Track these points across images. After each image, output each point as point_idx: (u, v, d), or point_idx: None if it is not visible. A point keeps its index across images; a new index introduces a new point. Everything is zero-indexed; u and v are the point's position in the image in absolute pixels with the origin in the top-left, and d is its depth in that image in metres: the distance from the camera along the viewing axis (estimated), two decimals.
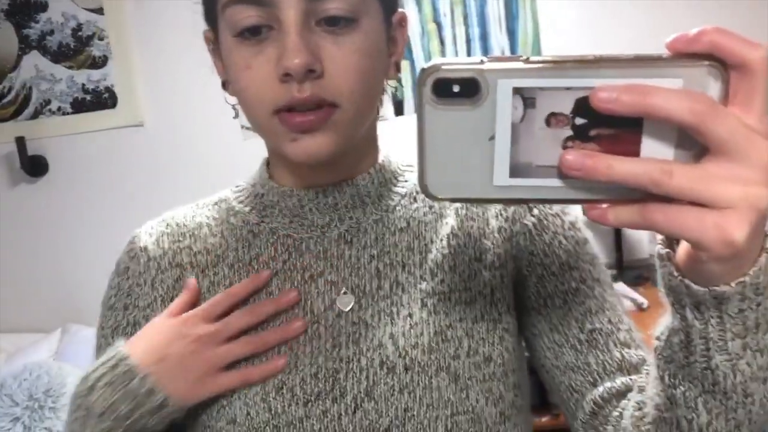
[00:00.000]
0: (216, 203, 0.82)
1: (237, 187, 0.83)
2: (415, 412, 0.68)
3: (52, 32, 2.42)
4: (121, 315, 0.77)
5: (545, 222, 0.75)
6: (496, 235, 0.75)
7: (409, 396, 0.68)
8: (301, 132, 0.65)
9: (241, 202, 0.80)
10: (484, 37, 2.35)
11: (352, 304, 0.72)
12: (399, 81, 2.34)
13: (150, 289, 0.77)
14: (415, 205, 0.77)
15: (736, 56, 0.39)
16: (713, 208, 0.40)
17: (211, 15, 0.70)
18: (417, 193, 0.78)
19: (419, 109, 0.42)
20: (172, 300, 0.76)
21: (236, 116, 0.72)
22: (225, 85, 0.73)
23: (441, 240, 0.75)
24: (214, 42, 0.72)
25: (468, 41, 2.35)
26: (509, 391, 0.72)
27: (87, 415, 0.69)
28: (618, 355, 0.70)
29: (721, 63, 0.40)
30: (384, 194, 0.77)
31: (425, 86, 0.41)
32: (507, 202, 0.45)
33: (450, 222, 0.76)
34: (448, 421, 0.68)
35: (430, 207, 0.77)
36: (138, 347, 0.71)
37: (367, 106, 0.69)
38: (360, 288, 0.73)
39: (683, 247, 0.48)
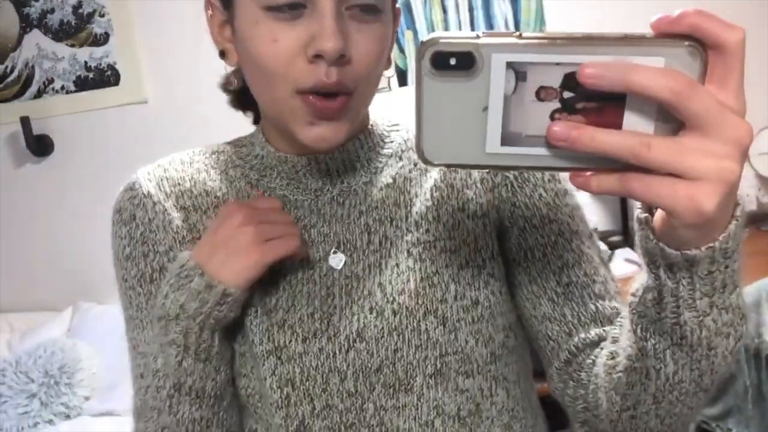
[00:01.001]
0: (214, 153, 0.84)
1: (236, 142, 0.85)
2: (404, 353, 0.73)
3: (52, 10, 2.41)
4: (143, 263, 0.79)
5: (526, 173, 0.78)
6: (479, 185, 0.78)
7: (398, 337, 0.73)
8: (320, 118, 0.67)
9: (240, 158, 0.82)
10: (487, 6, 2.33)
11: (343, 262, 0.76)
12: (402, 51, 2.33)
13: (164, 234, 0.78)
14: (400, 163, 0.81)
15: (714, 37, 0.42)
16: (687, 179, 0.43)
17: None
18: (402, 151, 0.82)
19: (418, 80, 0.45)
20: (185, 241, 0.78)
21: (229, 94, 0.74)
22: (223, 55, 0.74)
23: (425, 193, 0.79)
24: (220, 9, 0.72)
25: (471, 9, 2.33)
26: (499, 332, 0.76)
27: (165, 323, 0.72)
28: (592, 307, 0.74)
29: (701, 43, 0.42)
30: (372, 157, 0.80)
31: (424, 58, 0.44)
32: (498, 168, 0.49)
33: (434, 175, 0.80)
34: (437, 361, 0.73)
35: (415, 164, 0.81)
36: (196, 248, 0.73)
37: (372, 92, 0.73)
38: (351, 243, 0.77)
39: (660, 214, 0.51)
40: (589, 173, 0.46)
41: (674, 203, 0.43)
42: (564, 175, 0.79)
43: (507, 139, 0.45)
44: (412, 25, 2.33)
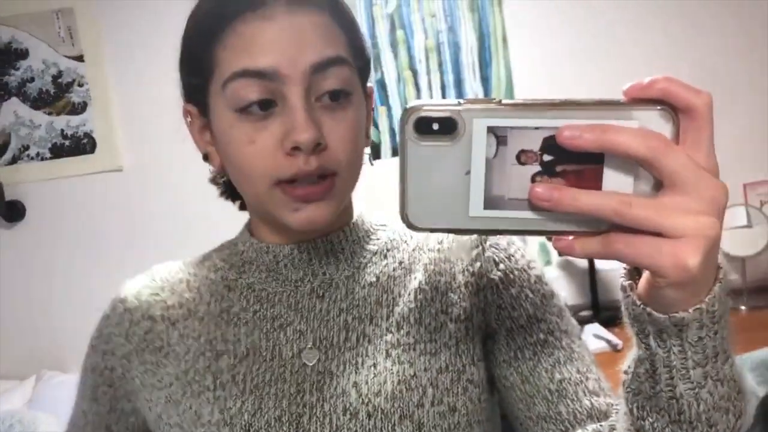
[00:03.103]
0: (202, 261, 0.86)
1: (221, 245, 0.87)
2: None
3: (32, 79, 2.44)
4: (100, 358, 0.82)
5: (511, 276, 0.78)
6: (463, 289, 0.77)
7: None
8: (304, 202, 0.69)
9: (222, 259, 0.83)
10: (459, 84, 2.40)
11: (316, 359, 0.74)
12: (376, 126, 2.38)
13: (125, 341, 0.80)
14: (385, 261, 0.80)
15: (684, 102, 0.44)
16: (669, 237, 0.43)
17: (197, 92, 0.72)
18: (387, 250, 0.81)
19: (401, 145, 0.46)
20: (144, 352, 0.79)
21: (219, 181, 0.76)
22: (206, 158, 0.77)
23: (408, 294, 0.78)
24: (197, 116, 0.75)
25: (443, 87, 2.40)
26: None
27: None
28: (587, 403, 0.72)
29: (672, 107, 0.44)
30: (356, 251, 0.80)
31: (408, 124, 0.45)
32: (481, 232, 0.48)
33: (418, 277, 0.79)
34: None
35: (400, 263, 0.80)
36: None
37: (358, 171, 0.74)
38: (327, 340, 0.75)
39: (644, 279, 0.51)
40: (571, 237, 0.46)
41: (659, 261, 0.43)
42: (550, 277, 0.79)
43: (490, 203, 0.46)
44: (385, 101, 2.38)
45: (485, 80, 2.40)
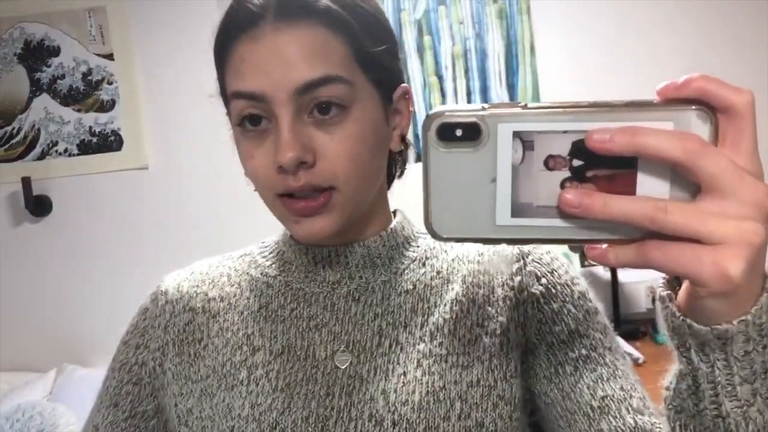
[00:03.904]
0: (241, 256, 0.86)
1: (263, 243, 0.87)
2: None
3: (63, 76, 2.48)
4: (132, 353, 0.81)
5: (553, 291, 0.76)
6: (501, 303, 0.75)
7: None
8: (302, 216, 0.69)
9: (264, 257, 0.84)
10: (485, 91, 2.39)
11: (348, 362, 0.73)
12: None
13: (162, 333, 0.80)
14: (423, 270, 0.79)
15: (723, 101, 0.41)
16: (709, 244, 0.40)
17: (225, 99, 0.74)
18: (426, 258, 0.80)
19: (424, 153, 0.45)
20: (183, 343, 0.79)
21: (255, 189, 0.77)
22: None
23: (445, 305, 0.76)
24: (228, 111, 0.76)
25: (468, 94, 2.39)
26: None
27: None
28: (631, 421, 0.68)
29: (709, 107, 0.42)
30: (395, 257, 0.79)
31: (430, 131, 0.44)
32: (509, 242, 0.45)
33: (456, 288, 0.77)
34: None
35: (438, 272, 0.79)
36: None
37: (367, 182, 0.72)
38: (360, 344, 0.74)
39: (684, 289, 0.48)
40: (605, 246, 0.44)
41: (698, 270, 0.40)
42: (594, 294, 0.77)
43: (517, 211, 0.44)
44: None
45: (511, 87, 2.39)
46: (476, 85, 2.39)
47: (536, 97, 2.38)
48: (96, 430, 0.80)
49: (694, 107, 0.41)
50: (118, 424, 0.80)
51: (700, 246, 0.40)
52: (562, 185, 0.43)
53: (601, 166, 0.42)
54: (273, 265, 0.82)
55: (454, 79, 2.39)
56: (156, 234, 2.45)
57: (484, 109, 0.43)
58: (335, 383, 0.72)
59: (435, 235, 0.46)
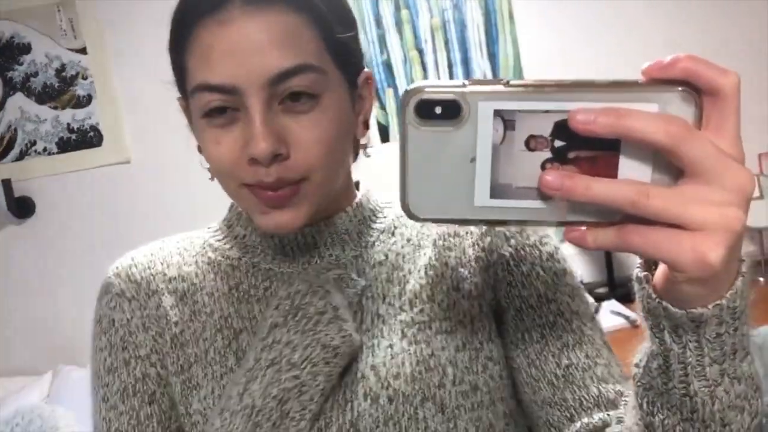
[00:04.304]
0: (186, 238, 0.83)
1: (210, 228, 0.84)
2: None
3: (36, 74, 2.43)
4: (125, 372, 0.74)
5: (522, 253, 0.76)
6: (473, 264, 0.76)
7: (394, 427, 0.68)
8: (272, 207, 0.67)
9: (218, 240, 0.81)
10: (466, 62, 2.37)
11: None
12: (383, 108, 2.36)
13: (144, 334, 0.75)
14: (393, 239, 0.78)
15: (709, 82, 0.40)
16: (689, 230, 0.40)
17: (183, 87, 0.71)
18: (395, 227, 0.79)
19: (402, 130, 0.43)
20: (164, 334, 0.75)
21: (212, 179, 0.72)
22: (201, 149, 0.74)
23: (419, 271, 0.76)
24: (187, 110, 0.73)
25: (450, 66, 2.37)
26: (499, 420, 0.72)
27: None
28: (595, 390, 0.70)
29: (695, 89, 0.41)
30: (363, 231, 0.78)
31: (408, 107, 0.42)
32: (487, 223, 0.44)
33: (428, 253, 0.77)
34: None
35: (408, 239, 0.78)
36: None
37: (335, 171, 0.70)
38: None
39: (661, 270, 0.48)
40: (584, 228, 0.43)
41: (678, 256, 0.40)
42: (564, 255, 0.77)
43: (497, 191, 0.43)
44: (393, 83, 2.36)
45: (493, 57, 2.37)
46: (457, 56, 2.37)
47: (518, 65, 2.36)
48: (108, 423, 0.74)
49: (679, 89, 0.41)
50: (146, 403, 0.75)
51: (680, 231, 0.40)
52: (543, 166, 0.42)
53: (583, 148, 0.42)
54: (233, 249, 0.79)
55: (435, 52, 2.37)
56: (143, 228, 2.41)
57: (464, 85, 0.42)
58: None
59: (412, 216, 0.45)
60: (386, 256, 0.77)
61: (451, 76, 2.37)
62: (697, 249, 0.40)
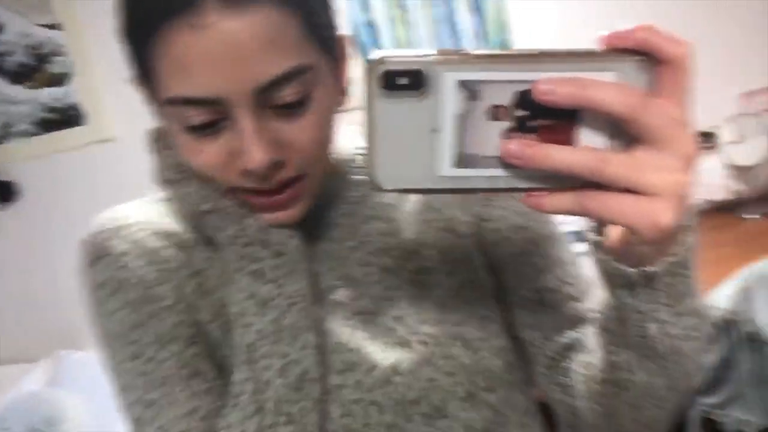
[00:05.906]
0: (160, 200, 0.81)
1: (147, 212, 0.81)
2: (439, 382, 0.71)
3: (9, 53, 2.35)
4: (156, 324, 0.70)
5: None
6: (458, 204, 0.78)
7: (431, 367, 0.71)
8: (269, 211, 0.65)
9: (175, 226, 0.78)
10: (451, 18, 2.35)
11: (348, 297, 0.73)
12: None
13: (164, 286, 0.72)
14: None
15: (663, 52, 0.43)
16: (644, 195, 0.43)
17: (147, 83, 0.65)
18: None
19: (367, 101, 0.43)
20: (185, 286, 0.72)
21: None
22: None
23: (407, 217, 0.77)
24: (149, 96, 0.67)
25: (434, 24, 2.35)
26: (508, 341, 0.77)
27: None
28: (566, 311, 0.74)
29: (650, 58, 0.43)
30: (344, 187, 0.76)
31: (372, 78, 0.42)
32: (452, 191, 0.45)
33: (411, 197, 0.78)
34: (467, 383, 0.72)
35: None
36: None
37: (326, 157, 0.69)
38: (351, 278, 0.73)
39: (614, 234, 0.52)
40: (543, 193, 0.45)
41: (633, 220, 0.43)
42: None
43: (460, 161, 0.44)
44: (376, 43, 2.33)
45: (478, 11, 2.35)
46: (442, 12, 2.34)
47: (505, 22, 2.34)
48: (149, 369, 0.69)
49: (636, 58, 0.43)
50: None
51: (635, 197, 0.43)
52: (506, 135, 0.43)
53: (543, 117, 0.43)
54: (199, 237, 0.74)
55: (419, 9, 2.34)
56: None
57: (428, 56, 0.42)
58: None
59: (377, 187, 0.45)
60: (374, 208, 0.77)
61: (436, 35, 2.34)
62: (652, 214, 0.43)
